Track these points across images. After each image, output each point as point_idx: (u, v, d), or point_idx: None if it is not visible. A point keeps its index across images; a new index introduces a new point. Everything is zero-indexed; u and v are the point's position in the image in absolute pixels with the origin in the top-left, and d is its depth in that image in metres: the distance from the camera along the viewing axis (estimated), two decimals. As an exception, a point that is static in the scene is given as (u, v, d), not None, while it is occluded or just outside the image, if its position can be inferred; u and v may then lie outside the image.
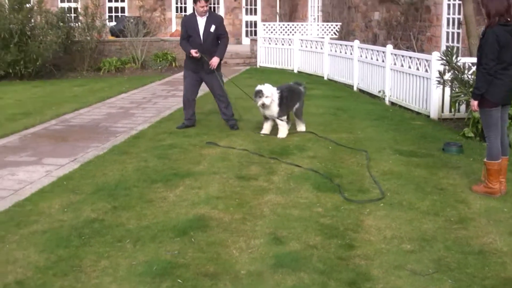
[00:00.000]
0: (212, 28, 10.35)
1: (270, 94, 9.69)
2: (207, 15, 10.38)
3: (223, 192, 7.00)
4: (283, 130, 9.94)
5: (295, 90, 10.20)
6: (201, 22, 10.38)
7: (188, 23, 10.54)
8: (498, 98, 6.75)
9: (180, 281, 4.71)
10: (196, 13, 10.43)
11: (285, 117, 9.98)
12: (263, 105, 9.75)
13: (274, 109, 9.80)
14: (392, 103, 13.27)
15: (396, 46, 18.77)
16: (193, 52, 10.29)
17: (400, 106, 12.80)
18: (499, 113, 6.87)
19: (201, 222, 6.01)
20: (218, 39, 10.52)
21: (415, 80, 12.16)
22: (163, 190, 7.08)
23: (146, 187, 7.20)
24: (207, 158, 8.56)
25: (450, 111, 11.43)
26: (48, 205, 6.56)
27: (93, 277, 4.81)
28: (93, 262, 5.09)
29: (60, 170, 8.06)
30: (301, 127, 10.31)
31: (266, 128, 10.13)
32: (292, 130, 10.18)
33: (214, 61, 10.36)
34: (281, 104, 9.79)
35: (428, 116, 11.56)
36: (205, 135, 10.05)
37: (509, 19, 6.68)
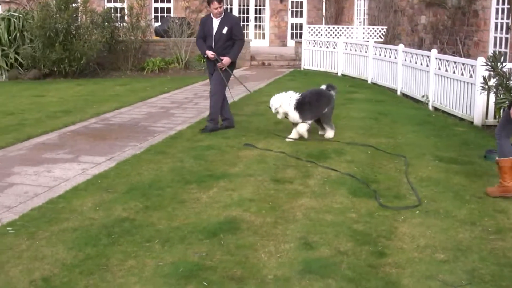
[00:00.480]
0: (225, 30, 10.26)
1: (278, 106, 9.71)
2: (222, 16, 10.31)
3: (256, 194, 6.91)
4: (298, 130, 9.80)
5: (323, 94, 9.96)
6: (215, 23, 10.32)
7: (204, 24, 10.51)
8: None
9: (205, 283, 4.63)
10: (212, 14, 10.38)
11: (309, 121, 9.81)
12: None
13: (293, 116, 9.70)
14: (436, 108, 13.03)
15: (442, 51, 18.48)
16: (210, 54, 10.31)
17: (444, 112, 12.55)
18: None
19: (232, 224, 5.93)
20: (231, 41, 10.39)
21: (459, 86, 11.91)
22: (196, 191, 7.02)
23: (179, 188, 7.15)
24: (244, 160, 8.49)
25: (495, 118, 11.16)
26: (81, 203, 6.56)
27: (118, 276, 4.77)
28: (120, 261, 5.05)
29: (95, 169, 8.08)
30: (329, 133, 10.03)
31: (294, 133, 9.95)
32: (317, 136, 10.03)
33: (225, 61, 10.30)
34: (301, 109, 9.64)
35: (472, 122, 11.31)
36: (243, 137, 9.98)
37: None
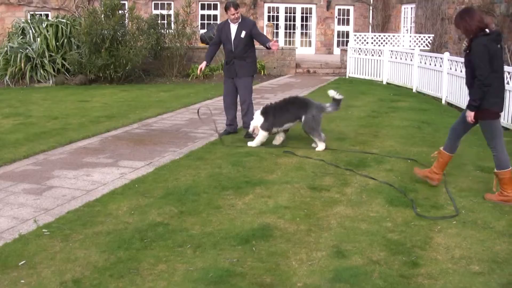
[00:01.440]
0: (243, 34, 10.45)
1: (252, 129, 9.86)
2: (239, 21, 10.50)
3: (292, 202, 6.87)
4: (256, 139, 9.82)
5: (293, 102, 9.77)
6: (233, 28, 10.53)
7: (221, 30, 10.70)
8: (500, 107, 6.97)
9: (234, 290, 4.62)
10: (229, 20, 10.55)
11: (265, 131, 9.73)
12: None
13: (257, 120, 9.80)
14: (481, 118, 12.79)
15: (489, 60, 18.17)
16: (200, 68, 10.94)
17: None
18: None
19: (265, 231, 5.90)
20: (251, 44, 10.63)
21: (505, 95, 11.67)
22: (232, 198, 7.02)
23: (216, 194, 7.15)
24: (282, 167, 8.46)
25: (542, 128, 10.94)
26: (116, 207, 6.61)
27: (148, 280, 4.78)
28: (150, 265, 5.06)
29: (134, 173, 8.13)
30: (318, 146, 9.68)
31: (277, 139, 9.97)
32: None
33: (276, 44, 10.30)
34: (265, 116, 9.69)
35: (518, 132, 11.08)
36: (284, 144, 9.94)
37: (487, 30, 6.83)
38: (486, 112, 6.92)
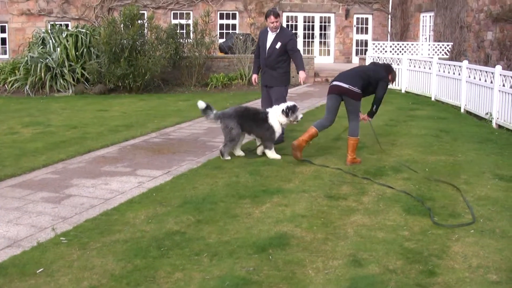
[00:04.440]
0: (278, 45, 10.45)
1: None
2: (277, 31, 10.49)
3: (309, 210, 6.87)
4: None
5: None
6: (271, 37, 10.55)
7: (260, 37, 10.83)
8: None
9: (249, 298, 4.63)
10: (268, 28, 10.59)
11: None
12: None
13: None
14: (500, 126, 12.74)
15: (509, 68, 18.11)
16: (253, 79, 11.20)
17: (508, 130, 12.26)
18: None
19: (282, 239, 5.90)
20: (285, 56, 10.59)
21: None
22: (249, 206, 7.02)
23: (233, 202, 7.16)
24: (299, 176, 8.46)
25: (561, 136, 10.86)
26: (134, 216, 6.65)
27: (164, 288, 4.80)
28: (167, 273, 5.08)
29: (152, 182, 8.17)
30: None
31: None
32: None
33: (302, 76, 10.51)
34: None
35: (536, 141, 11.00)
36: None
37: None
38: None
